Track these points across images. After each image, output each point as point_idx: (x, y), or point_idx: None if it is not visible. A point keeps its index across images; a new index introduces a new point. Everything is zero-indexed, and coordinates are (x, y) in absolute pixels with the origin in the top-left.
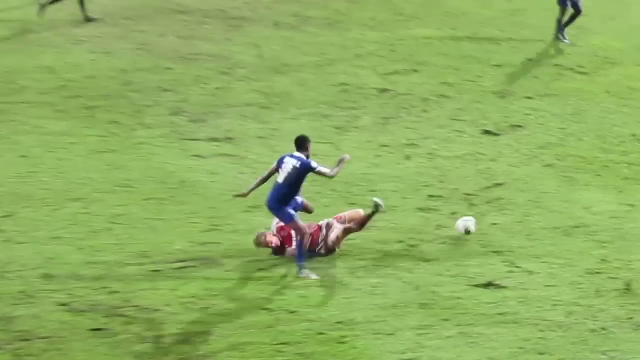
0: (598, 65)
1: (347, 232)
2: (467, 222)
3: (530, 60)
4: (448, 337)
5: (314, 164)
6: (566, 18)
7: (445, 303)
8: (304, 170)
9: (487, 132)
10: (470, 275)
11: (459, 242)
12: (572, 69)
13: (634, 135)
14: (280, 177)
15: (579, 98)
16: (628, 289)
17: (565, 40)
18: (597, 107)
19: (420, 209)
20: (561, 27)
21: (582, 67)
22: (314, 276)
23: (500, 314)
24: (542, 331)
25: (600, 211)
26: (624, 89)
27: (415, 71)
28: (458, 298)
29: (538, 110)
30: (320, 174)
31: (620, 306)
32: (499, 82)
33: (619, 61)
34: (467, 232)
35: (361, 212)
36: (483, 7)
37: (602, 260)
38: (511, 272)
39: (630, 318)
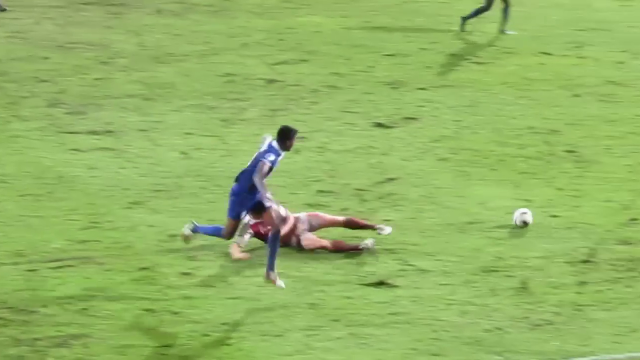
0: (494, 55)
1: (319, 247)
2: (524, 214)
3: (423, 49)
4: (338, 338)
5: (265, 157)
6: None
7: (335, 303)
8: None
9: (379, 125)
10: (361, 273)
11: (348, 240)
12: (467, 59)
13: (530, 127)
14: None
15: (474, 89)
16: (524, 287)
17: (508, 31)
18: (493, 98)
19: (310, 205)
20: (505, 17)
21: (478, 57)
22: (281, 283)
23: (392, 314)
24: (435, 331)
25: (496, 206)
26: (521, 80)
27: (305, 61)
28: (348, 297)
29: (432, 102)
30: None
31: (516, 305)
32: (391, 72)
33: (515, 51)
34: (525, 224)
35: (338, 219)
36: None
37: (497, 257)
38: (403, 270)
39: (526, 317)
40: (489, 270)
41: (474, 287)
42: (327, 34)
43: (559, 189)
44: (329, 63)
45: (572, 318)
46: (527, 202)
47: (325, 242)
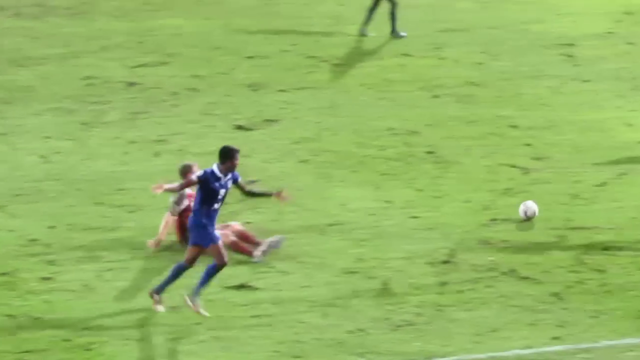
0: (354, 56)
1: (227, 243)
2: (528, 206)
3: (284, 51)
4: (201, 342)
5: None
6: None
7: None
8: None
9: (240, 127)
10: (223, 276)
11: None
12: (327, 61)
13: (390, 129)
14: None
15: (334, 90)
16: (385, 288)
17: (402, 34)
18: (353, 100)
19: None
20: (393, 21)
21: (338, 58)
22: (160, 308)
23: (254, 317)
24: (297, 333)
25: (357, 208)
26: (380, 81)
27: (165, 63)
28: (210, 300)
29: (292, 104)
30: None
31: (377, 306)
32: (251, 74)
33: (375, 52)
34: (532, 215)
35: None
36: None
37: (359, 259)
38: (265, 272)
39: (388, 318)
40: (350, 272)
41: (335, 288)
42: (188, 36)
43: (419, 190)
44: (189, 65)
45: (433, 318)
46: (388, 204)
47: (232, 239)
